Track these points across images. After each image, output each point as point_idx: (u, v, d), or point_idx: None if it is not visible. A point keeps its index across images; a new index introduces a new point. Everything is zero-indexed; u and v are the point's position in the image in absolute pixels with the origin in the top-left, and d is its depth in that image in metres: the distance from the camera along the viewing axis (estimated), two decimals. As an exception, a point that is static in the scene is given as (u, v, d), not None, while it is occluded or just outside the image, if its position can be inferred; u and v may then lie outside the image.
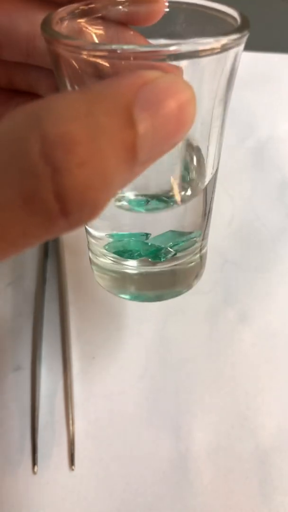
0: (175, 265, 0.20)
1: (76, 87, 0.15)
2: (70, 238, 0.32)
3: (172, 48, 0.12)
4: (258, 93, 0.40)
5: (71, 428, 0.25)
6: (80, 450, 0.24)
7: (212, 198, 0.20)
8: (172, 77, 0.11)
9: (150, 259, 0.19)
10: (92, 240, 0.20)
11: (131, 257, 0.20)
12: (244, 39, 0.16)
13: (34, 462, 0.24)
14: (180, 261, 0.20)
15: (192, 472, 0.24)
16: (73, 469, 0.24)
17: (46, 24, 0.14)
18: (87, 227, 0.20)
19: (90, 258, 0.22)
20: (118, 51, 0.12)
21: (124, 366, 0.27)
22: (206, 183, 0.20)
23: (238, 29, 0.15)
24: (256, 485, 0.24)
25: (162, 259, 0.20)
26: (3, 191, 0.09)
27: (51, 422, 0.25)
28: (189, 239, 0.20)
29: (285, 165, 0.35)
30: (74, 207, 0.10)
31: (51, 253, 0.31)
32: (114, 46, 0.12)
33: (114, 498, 0.23)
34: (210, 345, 0.28)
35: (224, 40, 0.14)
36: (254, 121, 0.38)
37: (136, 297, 0.22)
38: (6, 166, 0.09)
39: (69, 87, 0.15)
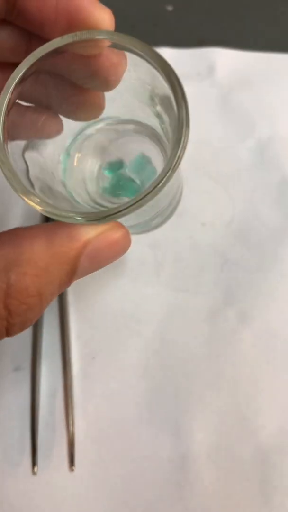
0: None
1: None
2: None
3: None
4: (258, 93, 0.40)
5: (71, 428, 0.25)
6: (80, 450, 0.25)
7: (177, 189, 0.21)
8: (113, 230, 0.15)
9: None
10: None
11: (110, 192, 0.22)
12: None
13: (34, 463, 0.24)
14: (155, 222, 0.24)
15: (192, 472, 0.24)
16: (73, 470, 0.24)
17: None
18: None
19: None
20: None
21: (124, 366, 0.27)
22: None
23: None
24: (256, 486, 0.24)
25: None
26: None
27: (51, 422, 0.25)
28: (159, 212, 0.23)
29: (285, 165, 0.35)
30: (14, 334, 0.14)
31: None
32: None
33: (114, 498, 0.23)
34: (210, 345, 0.28)
35: None
36: (254, 121, 0.38)
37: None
38: None
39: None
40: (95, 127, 0.21)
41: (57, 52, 0.15)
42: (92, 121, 0.20)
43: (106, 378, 0.27)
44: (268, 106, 0.39)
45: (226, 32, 0.47)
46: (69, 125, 0.19)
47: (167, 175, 0.14)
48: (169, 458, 0.24)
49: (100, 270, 0.30)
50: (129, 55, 0.16)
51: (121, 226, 0.15)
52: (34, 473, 0.24)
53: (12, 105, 0.15)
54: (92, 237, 0.14)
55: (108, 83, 0.17)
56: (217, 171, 0.34)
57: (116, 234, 0.15)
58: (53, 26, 0.15)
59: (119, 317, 0.29)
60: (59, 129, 0.19)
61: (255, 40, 0.46)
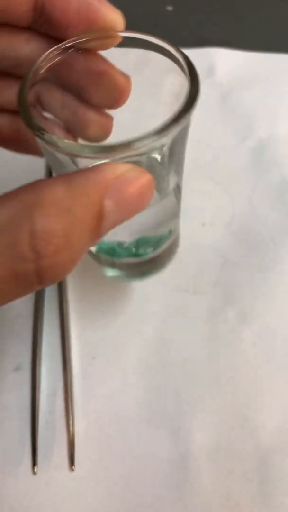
0: (151, 257, 0.25)
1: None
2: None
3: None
4: (258, 93, 0.40)
5: (71, 428, 0.25)
6: (80, 450, 0.25)
7: (179, 200, 0.23)
8: (135, 170, 0.15)
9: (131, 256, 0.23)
10: None
11: (114, 255, 0.24)
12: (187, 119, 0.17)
13: (34, 462, 0.24)
14: (155, 253, 0.25)
15: (192, 472, 0.24)
16: (73, 469, 0.24)
17: (23, 108, 0.16)
18: None
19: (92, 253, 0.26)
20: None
21: (124, 366, 0.27)
22: (171, 187, 0.21)
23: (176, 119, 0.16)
24: (256, 485, 0.24)
25: (140, 256, 0.24)
26: (1, 272, 0.13)
27: (51, 422, 0.25)
28: (160, 239, 0.24)
29: (285, 165, 0.35)
30: (48, 280, 0.14)
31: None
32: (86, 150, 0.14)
33: (114, 498, 0.23)
34: (210, 345, 0.28)
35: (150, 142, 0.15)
36: (254, 121, 0.38)
37: (122, 277, 0.27)
38: (3, 250, 0.13)
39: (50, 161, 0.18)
40: None
41: (73, 50, 0.17)
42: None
43: (106, 378, 0.27)
44: (268, 106, 0.39)
45: (226, 32, 0.47)
46: None
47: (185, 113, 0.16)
48: (169, 458, 0.24)
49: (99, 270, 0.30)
50: (138, 53, 0.18)
51: (140, 167, 0.15)
52: (34, 472, 0.24)
53: (35, 101, 0.17)
54: (110, 178, 0.14)
55: (113, 101, 0.19)
56: (217, 171, 0.34)
57: (136, 172, 0.14)
58: (74, 29, 0.17)
59: (119, 317, 0.29)
60: None
61: (255, 40, 0.46)
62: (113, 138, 0.20)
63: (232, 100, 0.39)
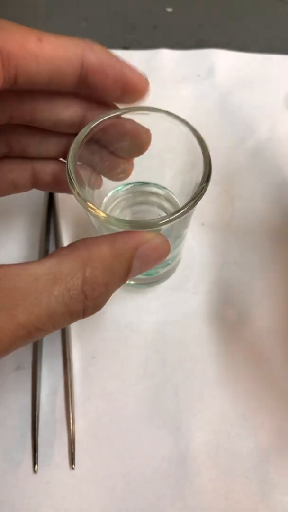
0: (160, 273, 0.29)
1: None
2: (70, 239, 0.32)
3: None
4: (257, 94, 0.40)
5: (71, 427, 0.25)
6: (80, 449, 0.25)
7: (185, 233, 0.26)
8: (158, 238, 0.19)
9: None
10: None
11: None
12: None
13: (35, 461, 0.24)
14: (164, 270, 0.28)
15: (191, 471, 0.24)
16: (73, 468, 0.24)
17: (71, 181, 0.20)
18: None
19: None
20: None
21: (124, 365, 0.27)
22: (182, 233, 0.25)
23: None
24: (255, 484, 0.24)
25: (150, 275, 0.28)
26: (60, 308, 0.17)
27: (52, 421, 0.25)
28: (167, 263, 0.28)
29: (285, 165, 0.35)
30: (88, 315, 0.18)
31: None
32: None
33: (114, 497, 0.24)
34: (210, 345, 0.28)
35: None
36: (254, 121, 0.38)
37: (130, 284, 0.30)
38: (64, 292, 0.16)
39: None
40: (125, 188, 0.28)
41: (107, 121, 0.22)
42: (122, 182, 0.27)
43: (106, 377, 0.27)
44: (267, 107, 0.39)
45: (225, 33, 0.47)
46: (106, 184, 0.26)
47: (195, 199, 0.20)
48: (168, 456, 0.25)
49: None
50: (161, 124, 0.22)
51: (162, 235, 0.19)
52: (34, 471, 0.24)
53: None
54: (141, 243, 0.18)
55: (138, 150, 0.23)
56: (217, 171, 0.34)
57: (159, 240, 0.19)
58: (111, 94, 0.21)
59: (119, 317, 0.29)
60: (99, 185, 0.25)
61: (254, 41, 0.47)
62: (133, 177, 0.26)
63: (232, 101, 0.39)
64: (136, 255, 0.18)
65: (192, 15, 0.49)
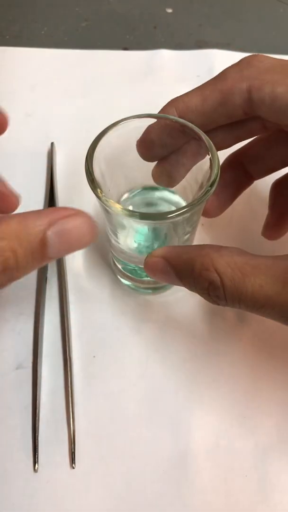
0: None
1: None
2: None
3: None
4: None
5: (71, 426, 0.25)
6: (80, 448, 0.25)
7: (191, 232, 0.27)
8: (78, 215, 0.18)
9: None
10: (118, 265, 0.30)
11: (135, 275, 0.29)
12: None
13: (35, 461, 0.24)
14: None
15: (191, 470, 0.24)
16: (73, 467, 0.24)
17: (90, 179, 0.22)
18: (115, 254, 0.29)
19: (116, 265, 0.30)
20: None
21: (124, 365, 0.27)
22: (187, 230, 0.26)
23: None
24: (255, 483, 0.24)
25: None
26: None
27: (52, 420, 0.25)
28: None
29: (284, 166, 0.35)
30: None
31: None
32: None
33: (114, 496, 0.24)
34: (210, 345, 0.28)
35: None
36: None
37: (136, 288, 0.31)
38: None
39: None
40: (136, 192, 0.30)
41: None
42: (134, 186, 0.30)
43: (106, 377, 0.27)
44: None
45: (225, 34, 0.47)
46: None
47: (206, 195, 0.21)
48: (168, 456, 0.25)
49: (101, 269, 0.31)
50: None
51: (86, 215, 0.18)
52: (35, 470, 0.24)
53: None
54: (55, 218, 0.18)
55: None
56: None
57: (80, 218, 0.18)
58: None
59: (119, 317, 0.29)
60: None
61: (254, 42, 0.47)
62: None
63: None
64: (52, 230, 0.18)
65: (192, 15, 0.49)
